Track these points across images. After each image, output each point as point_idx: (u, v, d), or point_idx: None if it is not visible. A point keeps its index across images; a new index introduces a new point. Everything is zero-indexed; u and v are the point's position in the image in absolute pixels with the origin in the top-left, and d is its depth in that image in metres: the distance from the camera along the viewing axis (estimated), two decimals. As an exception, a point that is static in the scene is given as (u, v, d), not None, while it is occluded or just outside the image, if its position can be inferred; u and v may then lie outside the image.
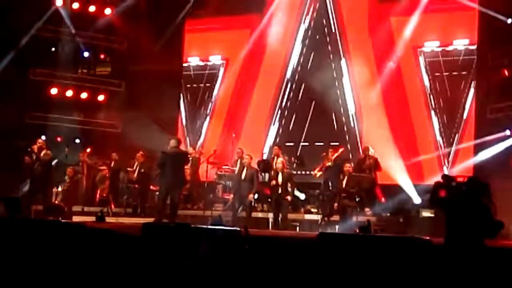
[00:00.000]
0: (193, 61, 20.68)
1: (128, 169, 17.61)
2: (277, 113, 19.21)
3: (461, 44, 17.23)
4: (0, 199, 13.50)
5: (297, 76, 19.11)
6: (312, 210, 16.20)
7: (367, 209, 15.14)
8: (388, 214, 15.00)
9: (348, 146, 17.63)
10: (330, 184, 15.68)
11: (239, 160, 16.02)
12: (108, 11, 20.55)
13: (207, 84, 20.38)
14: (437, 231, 9.88)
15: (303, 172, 17.24)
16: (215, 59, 20.37)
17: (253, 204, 15.44)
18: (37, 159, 15.02)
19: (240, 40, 19.85)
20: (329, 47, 18.69)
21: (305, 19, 19.14)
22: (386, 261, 7.04)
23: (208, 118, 20.24)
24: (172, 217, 14.23)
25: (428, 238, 7.70)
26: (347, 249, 7.38)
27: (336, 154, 15.90)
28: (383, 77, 17.66)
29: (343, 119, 18.22)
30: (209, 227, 10.04)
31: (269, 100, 19.33)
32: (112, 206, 17.37)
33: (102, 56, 21.52)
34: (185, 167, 15.19)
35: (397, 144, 16.99)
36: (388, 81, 17.62)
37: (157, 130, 18.79)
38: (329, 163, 15.75)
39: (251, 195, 15.02)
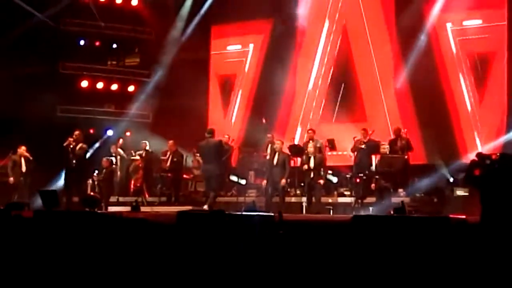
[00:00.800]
0: (220, 48, 20.66)
1: (162, 158, 17.71)
2: (307, 96, 19.14)
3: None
4: (37, 192, 13.73)
5: (326, 58, 19.00)
6: (345, 193, 16.17)
7: (400, 190, 15.05)
8: (422, 194, 14.89)
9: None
10: (364, 166, 15.64)
11: (269, 146, 16.03)
12: (134, 2, 20.65)
13: (235, 71, 20.37)
14: (472, 209, 9.80)
15: (335, 154, 17.17)
16: (242, 46, 20.31)
17: (286, 189, 15.46)
18: (72, 152, 15.15)
19: (265, 27, 19.79)
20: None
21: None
22: (422, 242, 6.99)
23: (237, 105, 20.23)
24: (211, 204, 14.62)
25: (463, 217, 7.63)
26: (382, 231, 7.34)
27: (368, 136, 15.83)
28: (413, 55, 17.43)
29: (372, 100, 18.09)
30: (243, 213, 10.07)
31: (299, 84, 19.27)
32: (146, 196, 17.52)
33: (130, 47, 21.65)
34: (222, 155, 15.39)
35: (430, 125, 16.88)
36: (418, 60, 17.37)
37: (188, 118, 18.89)
38: (362, 145, 15.69)
39: (283, 180, 15.03)
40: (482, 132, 16.69)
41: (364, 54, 18.40)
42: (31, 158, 16.18)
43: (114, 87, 20.76)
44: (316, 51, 19.16)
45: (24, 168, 16.08)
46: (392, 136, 16.09)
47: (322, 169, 15.10)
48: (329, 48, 19.01)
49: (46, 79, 19.03)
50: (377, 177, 14.68)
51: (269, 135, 16.65)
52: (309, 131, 16.51)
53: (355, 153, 15.89)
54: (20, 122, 17.67)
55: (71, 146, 15.18)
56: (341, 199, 15.83)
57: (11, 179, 16.03)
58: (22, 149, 16.16)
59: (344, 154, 16.72)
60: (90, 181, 16.76)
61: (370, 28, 18.41)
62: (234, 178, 16.50)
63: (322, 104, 18.91)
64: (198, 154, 16.17)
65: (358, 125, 17.00)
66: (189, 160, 18.07)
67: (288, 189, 16.00)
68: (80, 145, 15.30)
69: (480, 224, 7.23)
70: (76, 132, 15.47)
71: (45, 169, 16.42)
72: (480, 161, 7.59)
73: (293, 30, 19.32)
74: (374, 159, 15.68)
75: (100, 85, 20.56)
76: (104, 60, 21.14)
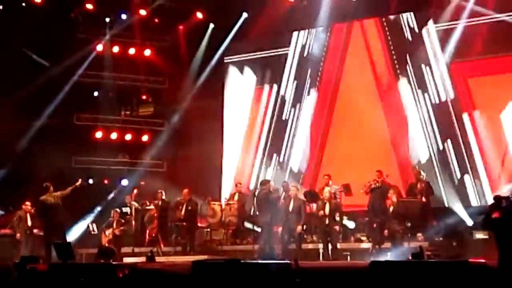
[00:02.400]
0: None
1: (179, 206, 17.61)
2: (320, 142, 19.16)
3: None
4: (51, 244, 13.69)
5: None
6: (362, 238, 15.99)
7: (419, 234, 14.89)
8: (441, 238, 14.71)
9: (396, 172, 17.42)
10: (379, 209, 15.52)
11: (284, 193, 15.97)
12: (147, 52, 20.86)
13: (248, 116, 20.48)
14: (492, 253, 9.65)
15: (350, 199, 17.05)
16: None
17: (302, 235, 15.34)
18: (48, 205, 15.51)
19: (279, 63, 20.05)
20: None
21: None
22: (441, 287, 6.87)
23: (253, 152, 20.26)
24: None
25: (483, 261, 7.50)
26: (400, 277, 7.23)
27: (382, 178, 15.73)
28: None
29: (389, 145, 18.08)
30: (260, 261, 9.98)
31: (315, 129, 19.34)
32: (162, 246, 17.39)
33: (144, 97, 21.83)
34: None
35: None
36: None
37: (202, 167, 18.90)
38: (376, 184, 15.58)
39: (299, 227, 14.93)
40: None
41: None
42: (34, 213, 16.19)
43: (128, 137, 20.85)
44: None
45: (29, 223, 16.09)
46: (414, 180, 15.98)
47: (338, 215, 14.96)
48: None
49: (61, 130, 19.15)
50: (393, 221, 14.50)
51: (284, 183, 16.57)
52: (325, 177, 16.40)
53: (369, 195, 15.79)
54: (35, 174, 17.74)
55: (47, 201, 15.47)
56: (358, 245, 15.65)
57: (18, 235, 16.06)
58: (27, 205, 16.25)
59: (359, 198, 16.52)
60: (106, 232, 16.71)
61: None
62: (249, 225, 16.40)
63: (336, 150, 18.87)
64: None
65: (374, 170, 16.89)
66: (204, 208, 17.99)
67: (305, 236, 15.87)
68: (53, 195, 15.57)
69: (499, 268, 7.09)
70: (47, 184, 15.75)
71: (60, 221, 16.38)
72: (497, 203, 7.50)
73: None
74: (390, 203, 15.50)
75: (114, 135, 20.67)
76: (118, 110, 21.28)
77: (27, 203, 16.24)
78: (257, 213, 16.05)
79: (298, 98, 19.59)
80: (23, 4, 19.46)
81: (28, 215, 16.17)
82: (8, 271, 9.72)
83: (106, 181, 19.54)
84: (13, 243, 16.03)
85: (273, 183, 16.43)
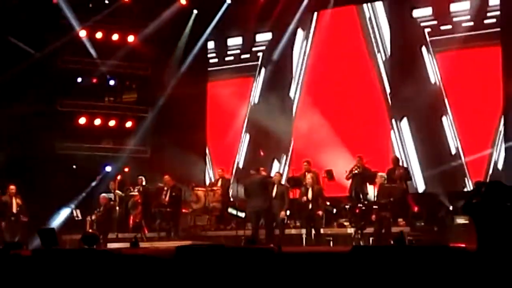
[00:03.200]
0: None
1: (163, 192, 17.62)
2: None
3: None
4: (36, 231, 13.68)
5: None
6: (345, 223, 16.13)
7: (400, 220, 15.04)
8: (422, 224, 14.86)
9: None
10: (360, 195, 15.66)
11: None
12: (131, 38, 20.79)
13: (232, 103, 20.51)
14: (473, 238, 9.78)
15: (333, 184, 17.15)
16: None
17: (285, 221, 15.44)
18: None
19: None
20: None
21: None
22: (423, 271, 6.97)
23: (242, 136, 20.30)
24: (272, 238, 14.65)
25: (463, 245, 7.62)
26: (382, 262, 7.32)
27: (362, 163, 15.86)
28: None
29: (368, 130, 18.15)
30: (242, 247, 10.05)
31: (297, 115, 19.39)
32: (146, 231, 17.45)
33: (127, 83, 21.77)
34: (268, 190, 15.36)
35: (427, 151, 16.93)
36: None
37: (186, 153, 18.93)
38: (357, 170, 15.71)
39: (283, 212, 15.03)
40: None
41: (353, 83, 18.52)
42: (19, 200, 16.08)
43: (112, 123, 20.82)
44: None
45: (15, 209, 16.00)
46: (391, 166, 16.10)
47: (320, 200, 15.08)
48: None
49: (44, 116, 19.08)
50: (376, 207, 14.62)
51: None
52: (305, 163, 16.49)
53: (350, 180, 15.91)
54: (19, 160, 17.71)
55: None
56: (340, 230, 15.78)
57: (3, 223, 15.96)
58: (11, 189, 16.11)
59: (341, 184, 16.63)
60: (88, 218, 16.73)
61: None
62: (232, 211, 16.46)
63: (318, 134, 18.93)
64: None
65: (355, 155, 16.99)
66: (187, 194, 18.05)
67: (288, 221, 15.97)
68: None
69: (476, 252, 7.22)
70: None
71: (44, 207, 16.40)
72: (477, 189, 7.62)
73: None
74: (373, 189, 15.64)
75: (97, 121, 20.62)
76: (102, 96, 21.22)
77: (12, 187, 16.15)
78: (246, 198, 15.88)
79: (280, 83, 19.63)
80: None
81: (14, 200, 16.05)
82: (-9, 257, 9.71)
83: (89, 168, 19.51)
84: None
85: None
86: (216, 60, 21.06)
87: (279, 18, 19.47)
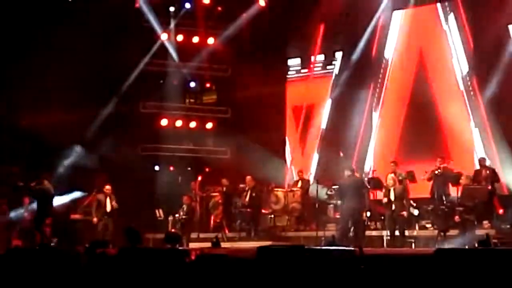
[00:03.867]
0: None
1: (244, 193, 17.75)
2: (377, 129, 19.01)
3: None
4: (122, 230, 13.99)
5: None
6: (427, 225, 15.84)
7: (485, 222, 14.66)
8: (508, 226, 14.46)
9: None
10: (442, 196, 15.34)
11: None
12: (211, 40, 21.05)
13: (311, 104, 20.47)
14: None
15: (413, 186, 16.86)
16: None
17: (366, 222, 15.30)
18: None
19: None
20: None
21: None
22: (508, 275, 6.80)
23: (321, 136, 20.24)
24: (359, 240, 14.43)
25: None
26: (466, 265, 7.18)
27: (445, 163, 15.54)
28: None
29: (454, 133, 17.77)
30: (323, 247, 10.01)
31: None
32: (226, 231, 17.63)
33: (208, 85, 22.05)
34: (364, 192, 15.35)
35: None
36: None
37: (265, 153, 19.02)
38: (438, 171, 15.40)
39: (363, 214, 14.89)
40: None
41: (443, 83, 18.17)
42: (114, 201, 16.35)
43: (193, 124, 21.12)
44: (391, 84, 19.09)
45: (108, 208, 16.35)
46: (477, 167, 15.73)
47: (404, 201, 14.86)
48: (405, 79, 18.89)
49: (127, 118, 19.53)
50: (460, 209, 14.28)
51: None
52: (392, 164, 16.23)
53: (431, 182, 15.60)
54: (104, 161, 18.18)
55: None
56: (423, 232, 15.51)
57: (95, 219, 16.30)
58: (107, 189, 16.47)
59: (422, 186, 16.33)
60: (171, 217, 17.02)
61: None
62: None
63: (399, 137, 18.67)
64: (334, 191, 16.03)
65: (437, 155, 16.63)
66: (267, 195, 18.14)
67: (368, 223, 15.82)
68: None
69: None
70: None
71: (128, 207, 16.76)
72: None
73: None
74: (456, 190, 15.28)
75: (179, 123, 20.96)
76: (182, 98, 21.57)
77: (107, 187, 16.51)
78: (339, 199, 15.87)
79: (361, 81, 19.49)
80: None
81: (108, 199, 16.40)
82: (78, 255, 9.98)
83: (171, 168, 19.85)
84: (86, 228, 16.38)
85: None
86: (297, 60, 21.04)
87: (358, 17, 19.33)
